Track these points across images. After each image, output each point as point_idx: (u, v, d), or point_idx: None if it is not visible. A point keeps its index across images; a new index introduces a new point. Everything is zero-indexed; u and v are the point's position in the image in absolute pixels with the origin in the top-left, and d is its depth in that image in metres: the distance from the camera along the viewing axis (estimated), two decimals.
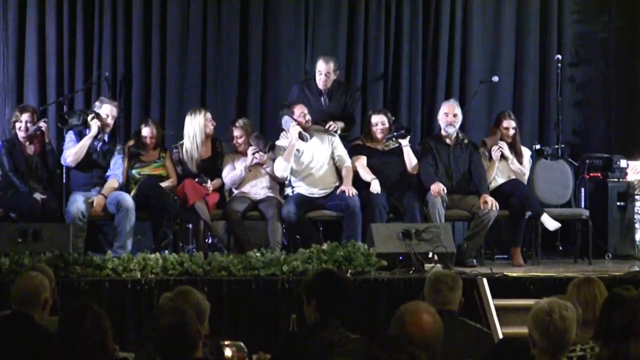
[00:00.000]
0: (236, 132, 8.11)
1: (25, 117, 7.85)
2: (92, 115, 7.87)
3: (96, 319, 3.75)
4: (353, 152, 8.22)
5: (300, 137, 7.99)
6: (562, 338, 3.51)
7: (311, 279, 4.14)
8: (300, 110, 8.05)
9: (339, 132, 8.28)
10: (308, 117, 8.07)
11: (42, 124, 7.86)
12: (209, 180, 7.92)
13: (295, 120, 8.01)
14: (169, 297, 4.25)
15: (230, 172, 8.03)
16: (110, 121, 7.99)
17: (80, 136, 7.93)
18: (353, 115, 8.59)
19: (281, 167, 8.01)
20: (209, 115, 8.10)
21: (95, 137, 7.86)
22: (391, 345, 2.97)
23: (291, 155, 8.00)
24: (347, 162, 8.11)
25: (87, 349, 3.70)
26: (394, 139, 8.21)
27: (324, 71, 8.30)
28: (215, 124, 8.15)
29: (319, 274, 4.19)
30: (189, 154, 8.03)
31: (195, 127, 8.01)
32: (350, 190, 7.83)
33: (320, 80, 8.33)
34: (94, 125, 7.84)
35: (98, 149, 7.93)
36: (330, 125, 8.23)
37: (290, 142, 7.98)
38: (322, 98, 8.39)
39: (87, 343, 3.70)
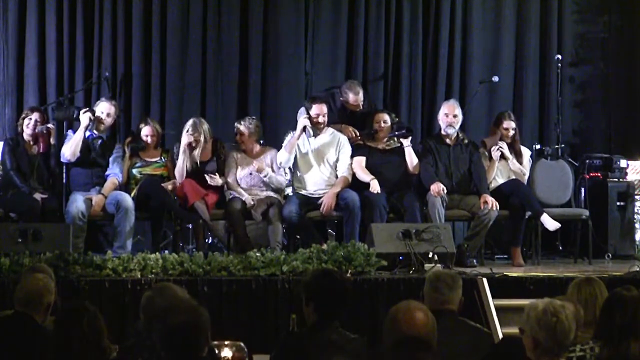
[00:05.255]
0: (240, 130, 8.10)
1: (35, 116, 7.89)
2: (86, 109, 7.90)
3: (92, 319, 3.76)
4: (354, 151, 8.21)
5: (304, 130, 8.01)
6: (567, 338, 3.54)
7: (309, 280, 4.12)
8: (318, 111, 8.05)
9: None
10: (323, 119, 8.06)
11: (50, 125, 7.91)
12: (217, 174, 7.93)
13: (309, 115, 8.02)
14: (148, 295, 4.22)
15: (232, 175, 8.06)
16: (106, 118, 8.00)
17: None
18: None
19: (283, 158, 8.04)
20: (189, 131, 7.99)
21: (86, 129, 7.86)
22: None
23: (293, 146, 8.02)
24: (345, 172, 8.09)
25: (84, 349, 3.70)
26: (395, 138, 8.21)
27: (359, 102, 8.36)
28: (195, 134, 8.01)
29: (317, 275, 4.16)
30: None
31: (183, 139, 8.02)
32: (327, 201, 7.82)
33: (351, 107, 8.39)
34: (84, 117, 7.85)
35: (97, 147, 7.95)
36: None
37: (294, 134, 8.01)
38: (346, 111, 8.46)
39: (84, 344, 3.70)
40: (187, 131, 7.99)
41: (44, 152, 7.91)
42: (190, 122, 8.05)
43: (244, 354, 4.64)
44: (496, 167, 8.30)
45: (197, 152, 7.97)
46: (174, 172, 8.00)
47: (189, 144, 7.96)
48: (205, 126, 8.07)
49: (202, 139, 8.00)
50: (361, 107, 8.43)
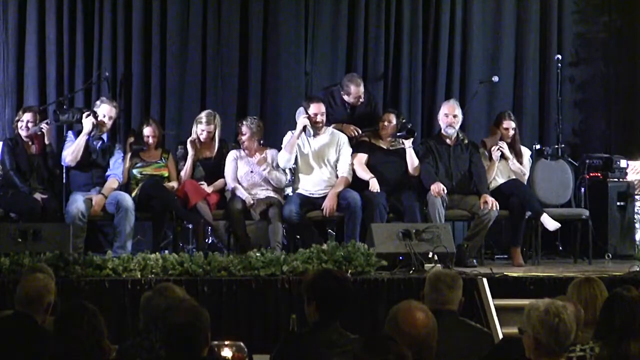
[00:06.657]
0: (242, 129, 8.10)
1: (27, 117, 7.88)
2: (88, 113, 7.89)
3: (92, 319, 3.75)
4: (357, 148, 8.21)
5: (304, 129, 8.01)
6: (568, 338, 3.54)
7: (311, 280, 4.12)
8: (316, 110, 8.03)
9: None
10: (321, 118, 8.05)
11: (43, 126, 7.88)
12: (205, 183, 7.94)
13: (308, 115, 8.02)
14: (148, 295, 4.23)
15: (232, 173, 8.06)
16: (107, 121, 7.99)
17: (79, 136, 7.94)
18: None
19: (284, 158, 8.04)
20: (202, 121, 8.06)
21: (89, 134, 7.86)
22: (377, 346, 2.99)
23: (293, 146, 8.02)
24: (345, 172, 8.08)
25: (84, 349, 3.70)
26: (398, 139, 8.20)
27: (361, 93, 8.31)
28: (209, 126, 8.08)
29: (318, 275, 4.15)
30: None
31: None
32: (329, 203, 7.81)
33: (353, 100, 8.34)
34: (87, 122, 7.84)
35: (97, 148, 7.94)
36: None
37: (293, 134, 8.00)
38: (347, 108, 8.43)
39: (84, 344, 3.70)
40: (201, 122, 8.00)
41: (41, 153, 7.91)
42: (205, 113, 8.08)
43: (244, 354, 4.64)
44: (496, 167, 8.30)
45: (214, 141, 8.03)
46: (180, 172, 8.01)
47: (193, 142, 7.99)
48: (219, 120, 8.09)
49: (216, 132, 8.02)
50: (362, 100, 8.41)
